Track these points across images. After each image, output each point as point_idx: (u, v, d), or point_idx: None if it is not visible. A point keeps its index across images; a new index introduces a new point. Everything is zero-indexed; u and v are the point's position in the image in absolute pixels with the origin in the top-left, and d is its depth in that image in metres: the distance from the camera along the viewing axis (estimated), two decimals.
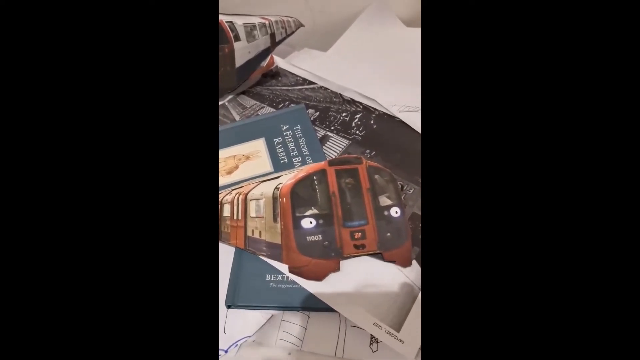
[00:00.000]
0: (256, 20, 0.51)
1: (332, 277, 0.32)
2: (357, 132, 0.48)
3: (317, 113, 0.50)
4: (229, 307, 0.33)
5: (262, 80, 0.55)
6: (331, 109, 0.51)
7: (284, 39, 0.54)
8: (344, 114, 0.50)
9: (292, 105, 0.51)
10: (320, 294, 0.32)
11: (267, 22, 0.52)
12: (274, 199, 0.34)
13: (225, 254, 0.36)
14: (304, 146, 0.44)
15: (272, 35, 0.52)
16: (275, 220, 0.33)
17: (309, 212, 0.33)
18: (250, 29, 0.51)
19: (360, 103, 0.51)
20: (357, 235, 0.33)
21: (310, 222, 0.33)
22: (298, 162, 0.42)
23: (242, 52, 0.51)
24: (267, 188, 0.35)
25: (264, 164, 0.42)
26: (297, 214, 0.33)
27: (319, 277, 0.32)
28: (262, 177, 0.39)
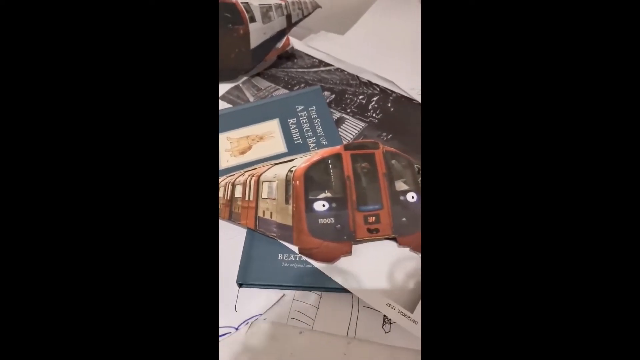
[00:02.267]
0: (272, 1, 0.50)
1: (345, 258, 0.32)
2: (374, 114, 0.46)
3: (333, 95, 0.49)
4: (240, 285, 0.32)
5: (277, 62, 0.54)
6: (347, 92, 0.50)
7: (301, 20, 0.53)
8: (360, 97, 0.49)
9: (307, 87, 0.50)
10: (333, 274, 0.31)
11: (283, 3, 0.51)
12: (287, 181, 0.33)
13: (238, 234, 0.35)
14: (318, 127, 0.43)
15: (289, 17, 0.51)
16: (287, 202, 0.33)
17: (322, 195, 0.32)
18: (266, 10, 0.50)
19: (378, 85, 0.50)
20: (371, 219, 0.32)
21: (323, 205, 0.32)
22: (312, 143, 0.41)
23: (258, 33, 0.50)
24: (281, 170, 0.34)
25: (278, 144, 0.42)
26: (310, 197, 0.32)
27: (329, 259, 0.32)
28: (276, 160, 0.38)
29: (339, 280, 0.31)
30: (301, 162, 0.34)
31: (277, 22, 0.51)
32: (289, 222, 0.32)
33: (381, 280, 0.31)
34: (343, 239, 0.31)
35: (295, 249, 0.32)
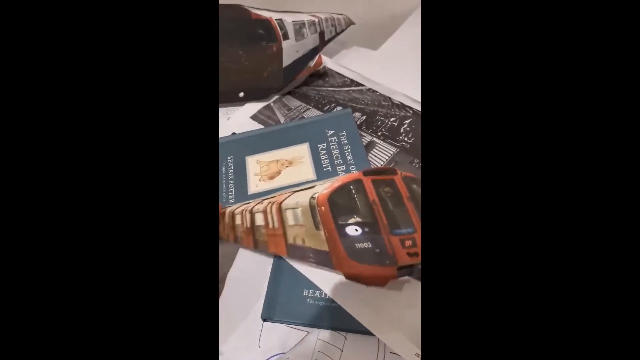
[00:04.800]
0: (306, 18, 0.50)
1: (373, 298, 0.31)
2: (406, 139, 0.45)
3: (364, 117, 0.48)
4: (264, 320, 0.32)
5: (308, 80, 0.53)
6: (379, 113, 0.48)
7: (333, 37, 0.52)
8: (392, 119, 0.48)
9: (338, 107, 0.49)
10: (360, 316, 0.30)
11: (316, 20, 0.50)
12: (312, 207, 0.33)
13: (263, 265, 0.35)
14: (348, 154, 0.42)
15: (322, 34, 0.51)
16: (317, 227, 0.32)
17: (352, 220, 0.32)
18: (299, 27, 0.49)
19: (411, 108, 0.48)
20: (408, 243, 0.32)
21: (356, 230, 0.32)
22: (342, 170, 0.41)
23: (290, 50, 0.49)
24: (302, 198, 0.34)
25: (307, 171, 0.41)
26: (340, 222, 0.32)
27: (381, 283, 0.31)
28: (296, 187, 0.38)
29: (366, 322, 0.30)
30: (322, 188, 0.34)
31: (310, 40, 0.50)
32: (324, 247, 0.32)
33: (410, 323, 0.30)
34: (386, 263, 0.31)
35: (327, 280, 0.32)
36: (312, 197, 0.33)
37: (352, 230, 0.32)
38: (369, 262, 0.31)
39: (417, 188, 0.35)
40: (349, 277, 0.32)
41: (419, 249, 0.31)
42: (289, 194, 0.36)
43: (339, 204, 0.33)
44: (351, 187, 0.33)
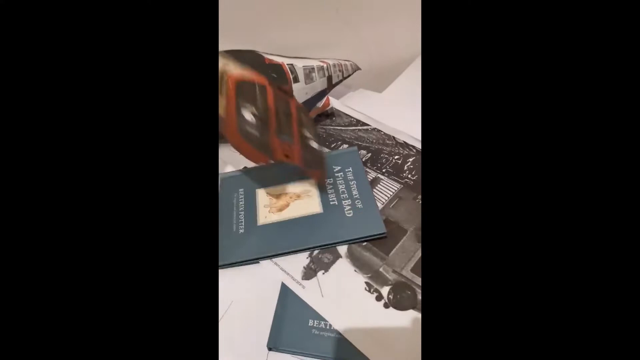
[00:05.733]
0: (315, 63, 0.53)
1: (377, 331, 0.31)
2: (409, 175, 0.47)
3: (369, 154, 0.50)
4: (270, 349, 0.33)
5: (317, 120, 0.56)
6: (383, 151, 0.51)
7: (341, 81, 0.55)
8: (396, 157, 0.50)
9: (344, 145, 0.52)
10: (364, 348, 0.31)
11: (325, 65, 0.54)
12: (221, 76, 0.38)
13: (272, 292, 0.36)
14: (354, 189, 0.44)
15: (329, 78, 0.54)
16: (220, 93, 0.37)
17: (250, 108, 0.37)
18: (309, 71, 0.53)
19: (414, 147, 0.51)
20: (285, 147, 0.38)
21: (251, 117, 0.37)
22: (348, 205, 0.42)
23: (300, 92, 0.53)
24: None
25: (314, 204, 0.43)
26: (241, 104, 0.36)
27: (254, 160, 0.38)
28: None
29: (370, 355, 0.30)
30: (236, 70, 0.38)
31: (319, 83, 0.54)
32: (222, 113, 0.36)
33: (415, 354, 0.30)
34: (263, 151, 0.36)
35: (339, 308, 0.34)
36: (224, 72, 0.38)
37: (248, 115, 0.37)
38: (252, 144, 0.36)
39: (305, 118, 0.43)
40: (233, 145, 0.37)
41: (293, 155, 0.38)
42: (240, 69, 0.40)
43: (244, 91, 0.37)
44: (257, 86, 0.39)
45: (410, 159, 0.49)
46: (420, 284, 0.36)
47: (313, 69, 0.53)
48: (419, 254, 0.39)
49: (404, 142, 0.51)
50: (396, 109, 0.57)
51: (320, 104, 0.54)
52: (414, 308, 0.34)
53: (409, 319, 0.33)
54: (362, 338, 0.31)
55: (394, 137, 0.52)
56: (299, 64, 0.53)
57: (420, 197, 0.44)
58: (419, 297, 0.35)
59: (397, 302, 0.35)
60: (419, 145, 0.50)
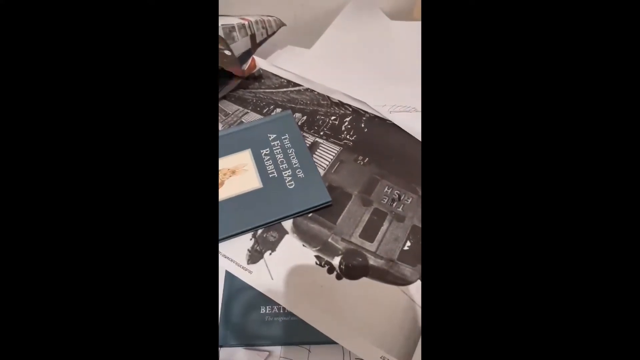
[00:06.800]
0: (235, 21, 0.48)
1: (332, 305, 0.30)
2: (348, 136, 0.45)
3: (305, 117, 0.47)
4: (220, 346, 0.30)
5: (244, 84, 0.51)
6: (319, 112, 0.48)
7: (265, 39, 0.50)
8: (332, 117, 0.47)
9: (277, 109, 0.48)
10: (321, 326, 0.29)
11: (246, 23, 0.48)
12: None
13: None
14: (293, 157, 0.41)
15: (253, 36, 0.49)
16: None
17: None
18: (229, 31, 0.47)
19: (350, 105, 0.48)
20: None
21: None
22: (288, 175, 0.39)
23: (221, 54, 0.47)
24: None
25: (252, 179, 0.40)
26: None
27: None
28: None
29: (327, 332, 0.29)
30: None
31: (242, 43, 0.48)
32: None
33: (371, 327, 0.30)
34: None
35: (291, 288, 0.31)
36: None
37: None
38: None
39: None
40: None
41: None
42: None
43: None
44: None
45: (347, 119, 0.47)
46: (369, 249, 0.35)
47: (233, 27, 0.48)
48: (365, 218, 0.38)
49: (339, 101, 0.49)
50: (327, 66, 0.54)
51: (245, 66, 0.49)
52: (366, 275, 0.33)
53: (363, 286, 0.32)
54: (319, 316, 0.30)
55: (328, 97, 0.49)
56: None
57: (361, 157, 0.43)
58: (370, 262, 0.34)
59: (349, 270, 0.34)
60: (354, 104, 0.48)
